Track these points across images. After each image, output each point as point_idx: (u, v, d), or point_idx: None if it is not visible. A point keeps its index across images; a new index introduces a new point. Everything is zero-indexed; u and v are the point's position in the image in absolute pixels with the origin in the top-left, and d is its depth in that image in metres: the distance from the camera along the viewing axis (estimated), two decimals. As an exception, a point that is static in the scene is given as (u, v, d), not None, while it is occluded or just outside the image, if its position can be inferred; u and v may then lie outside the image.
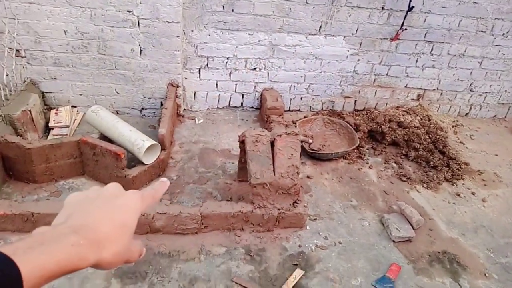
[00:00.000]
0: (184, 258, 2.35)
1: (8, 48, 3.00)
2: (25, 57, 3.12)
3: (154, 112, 3.56)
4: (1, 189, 2.66)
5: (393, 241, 2.63)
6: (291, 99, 3.78)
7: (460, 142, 3.80)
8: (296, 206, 2.57)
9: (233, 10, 3.21)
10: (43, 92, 3.32)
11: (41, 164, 2.68)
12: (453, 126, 3.98)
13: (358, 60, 3.61)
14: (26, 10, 2.92)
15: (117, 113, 3.51)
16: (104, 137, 2.98)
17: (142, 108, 3.52)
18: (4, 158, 2.68)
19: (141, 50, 3.19)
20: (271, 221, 2.55)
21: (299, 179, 2.52)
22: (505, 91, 4.03)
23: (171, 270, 2.27)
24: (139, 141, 2.75)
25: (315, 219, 2.72)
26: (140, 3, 2.95)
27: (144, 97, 3.45)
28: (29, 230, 2.38)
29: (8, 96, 2.96)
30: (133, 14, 2.99)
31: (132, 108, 3.50)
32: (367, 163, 3.34)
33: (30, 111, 3.01)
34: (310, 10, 3.27)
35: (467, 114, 4.18)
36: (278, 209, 2.54)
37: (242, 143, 2.78)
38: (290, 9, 3.25)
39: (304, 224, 2.64)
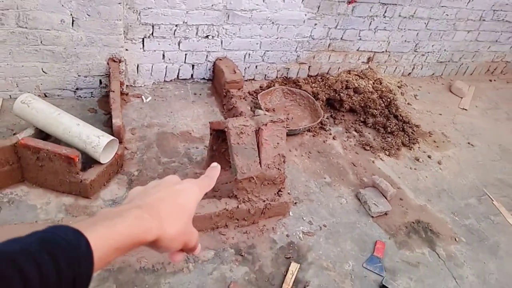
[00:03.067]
0: (171, 270, 2.11)
1: None
2: None
3: (91, 92, 3.04)
4: None
5: (372, 216, 2.67)
6: (245, 68, 3.50)
7: (408, 103, 3.93)
8: (281, 195, 2.44)
9: (182, -30, 2.74)
10: None
11: (-33, 176, 2.13)
12: (399, 87, 4.08)
13: (315, 24, 3.42)
14: None
15: (45, 96, 2.92)
16: (40, 132, 2.46)
17: (77, 89, 2.97)
18: None
19: (73, 21, 2.61)
20: (256, 214, 2.40)
21: (285, 168, 2.37)
22: (445, 50, 4.20)
23: (159, 287, 2.03)
24: (93, 138, 2.31)
25: (295, 203, 2.64)
26: (70, -38, 2.35)
27: (79, 75, 2.90)
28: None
29: None
30: (60, -24, 2.38)
31: (64, 89, 2.93)
32: (330, 134, 3.29)
33: None
34: (269, -30, 2.93)
35: (409, 73, 4.31)
36: (264, 201, 2.38)
37: (214, 130, 2.50)
38: (248, -31, 2.87)
39: (288, 211, 2.54)
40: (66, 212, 2.24)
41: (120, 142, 2.50)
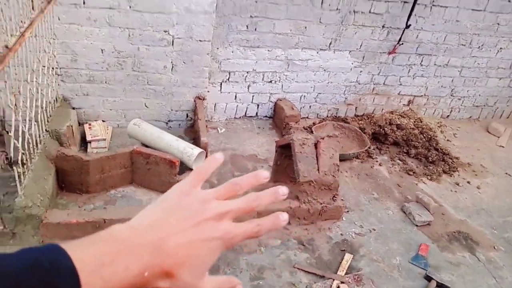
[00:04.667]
0: (247, 251, 2.61)
1: (44, 66, 3.12)
2: (61, 75, 3.26)
3: (179, 124, 3.79)
4: (56, 201, 2.78)
5: (416, 225, 3.05)
6: (301, 107, 4.16)
7: (447, 140, 4.36)
8: (335, 200, 2.93)
9: (255, 29, 3.55)
10: (73, 108, 3.45)
11: (96, 175, 2.83)
12: (438, 127, 4.55)
13: (360, 71, 4.08)
14: (66, 31, 3.07)
15: (144, 126, 3.69)
16: (145, 147, 3.17)
17: (169, 120, 3.74)
18: (58, 171, 2.80)
19: (172, 67, 3.43)
20: (315, 214, 2.89)
21: (339, 176, 2.89)
22: (479, 95, 4.67)
23: (239, 261, 2.53)
24: (188, 149, 2.99)
25: (347, 211, 3.09)
26: (177, 23, 3.20)
27: (172, 110, 3.67)
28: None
29: (40, 112, 3.08)
30: (168, 33, 3.24)
31: (158, 121, 3.70)
32: (377, 161, 3.77)
33: (71, 125, 3.14)
34: (323, 28, 3.68)
35: (448, 116, 4.78)
36: (321, 203, 2.88)
37: (279, 147, 3.10)
38: (305, 28, 3.64)
39: (341, 216, 3.00)
40: (164, 207, 2.86)
41: (206, 156, 3.16)
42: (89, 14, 3.00)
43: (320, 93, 4.14)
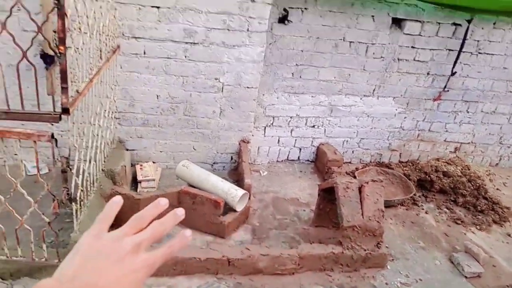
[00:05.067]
0: (290, 294, 2.60)
1: (106, 110, 3.39)
2: (119, 118, 3.52)
3: (224, 166, 3.92)
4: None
5: (465, 276, 2.91)
6: (343, 152, 4.19)
7: (497, 189, 4.19)
8: (380, 247, 2.88)
9: (300, 76, 3.70)
10: (127, 149, 3.68)
11: (146, 213, 2.97)
12: (487, 175, 4.39)
13: (405, 117, 4.09)
14: (127, 78, 3.35)
15: (191, 167, 3.85)
16: (192, 188, 3.30)
17: (214, 163, 3.88)
18: (111, 208, 2.97)
19: (221, 111, 3.62)
20: (358, 261, 2.84)
21: (383, 222, 2.85)
22: (531, 143, 4.52)
23: (281, 305, 2.52)
24: (232, 190, 3.08)
25: (392, 260, 3.01)
26: (227, 72, 3.42)
27: (217, 152, 3.82)
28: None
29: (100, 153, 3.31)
30: (219, 81, 3.45)
31: (204, 163, 3.85)
32: (423, 209, 3.68)
33: (125, 166, 3.35)
34: (366, 75, 3.78)
35: (497, 164, 4.62)
36: (365, 250, 2.84)
37: (322, 191, 3.13)
38: (349, 75, 3.75)
39: (386, 264, 2.93)
40: (207, 246, 2.93)
41: (249, 197, 3.24)
42: (148, 63, 3.27)
43: (363, 138, 4.17)
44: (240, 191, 3.09)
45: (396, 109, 4.03)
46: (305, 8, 3.37)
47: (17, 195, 2.15)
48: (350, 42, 3.59)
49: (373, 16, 3.49)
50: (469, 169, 4.15)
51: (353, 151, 4.23)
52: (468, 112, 4.18)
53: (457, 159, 4.35)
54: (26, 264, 2.44)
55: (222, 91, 3.50)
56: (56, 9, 1.89)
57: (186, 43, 3.22)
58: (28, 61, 2.08)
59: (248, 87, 3.52)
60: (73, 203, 2.47)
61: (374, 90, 3.88)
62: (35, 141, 2.12)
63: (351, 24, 3.50)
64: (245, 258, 2.70)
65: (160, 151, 3.74)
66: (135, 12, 3.07)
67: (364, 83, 3.83)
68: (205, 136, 3.72)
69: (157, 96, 3.46)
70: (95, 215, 2.57)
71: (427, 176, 3.93)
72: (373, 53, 3.68)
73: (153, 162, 3.77)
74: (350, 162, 4.30)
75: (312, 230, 3.27)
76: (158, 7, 3.06)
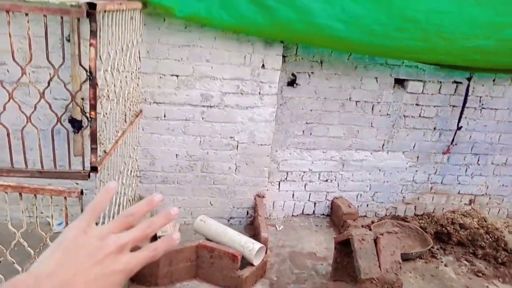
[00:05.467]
0: None
1: (128, 169, 3.61)
2: (140, 176, 3.72)
3: (240, 221, 4.02)
4: (127, 292, 3.00)
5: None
6: (358, 206, 4.25)
7: (518, 241, 4.13)
8: (398, 300, 2.86)
9: (311, 133, 3.90)
10: (147, 206, 3.83)
11: (164, 267, 3.06)
12: (506, 227, 4.35)
13: (416, 171, 4.18)
14: (148, 139, 3.60)
15: (208, 223, 3.96)
16: (210, 242, 3.39)
17: (230, 217, 3.99)
18: (132, 263, 3.07)
19: (236, 168, 3.79)
20: (376, 315, 2.82)
21: (402, 275, 2.86)
22: (547, 194, 4.50)
23: None
24: (249, 244, 3.16)
25: (412, 314, 2.97)
26: (241, 131, 3.64)
27: (233, 207, 3.94)
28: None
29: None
30: (234, 139, 3.67)
31: (221, 218, 3.96)
32: (442, 262, 3.65)
33: (146, 222, 3.49)
34: (375, 131, 3.96)
35: (515, 216, 4.58)
36: (382, 304, 2.82)
37: (338, 244, 3.18)
38: (358, 131, 3.94)
39: (405, 318, 2.89)
40: (225, 301, 2.96)
41: (266, 251, 3.30)
42: (168, 125, 3.54)
43: (376, 192, 4.24)
44: (257, 245, 3.17)
45: (407, 163, 4.15)
46: (312, 72, 3.65)
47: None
48: (356, 101, 3.81)
49: (376, 77, 3.74)
50: (485, 221, 4.13)
51: (367, 205, 4.30)
52: (478, 164, 4.25)
53: (472, 211, 4.35)
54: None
55: (237, 148, 3.71)
56: (88, 79, 2.17)
57: (203, 106, 3.50)
58: (62, 125, 2.34)
59: (261, 144, 3.72)
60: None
61: (383, 145, 4.03)
62: (65, 197, 2.31)
63: (356, 85, 3.75)
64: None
65: (179, 207, 3.88)
66: (156, 80, 3.38)
67: (373, 139, 3.99)
68: (222, 191, 3.87)
69: (176, 155, 3.68)
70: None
71: (443, 229, 3.93)
72: (379, 111, 3.88)
73: (172, 219, 3.89)
74: (365, 216, 4.34)
75: (331, 285, 3.27)
76: (177, 76, 3.38)
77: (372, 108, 3.87)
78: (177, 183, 3.79)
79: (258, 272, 3.20)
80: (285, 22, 3.01)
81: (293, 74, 3.63)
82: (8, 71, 3.12)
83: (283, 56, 3.50)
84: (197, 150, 3.68)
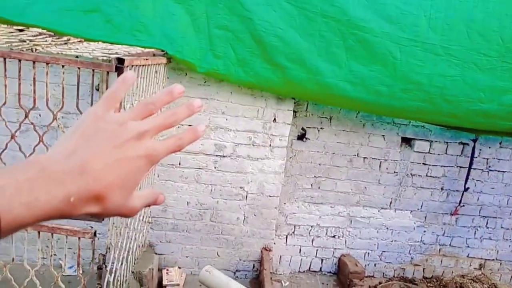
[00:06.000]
0: None
1: (141, 215, 3.70)
2: (151, 223, 3.79)
3: (246, 274, 3.99)
4: None
5: None
6: (365, 265, 4.20)
7: (532, 311, 3.98)
8: None
9: (319, 187, 3.98)
10: (155, 253, 3.86)
11: (168, 315, 3.03)
12: (520, 295, 4.21)
13: (424, 231, 4.17)
14: (162, 186, 3.72)
15: (213, 274, 3.94)
16: (213, 294, 3.36)
17: (236, 270, 3.97)
18: (135, 310, 3.05)
19: (244, 218, 3.85)
20: None
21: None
22: (561, 262, 4.39)
23: None
24: (253, 296, 3.14)
25: None
26: (251, 181, 3.75)
27: (240, 259, 3.94)
28: None
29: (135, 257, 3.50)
30: (244, 189, 3.77)
31: (227, 270, 3.94)
32: (451, 328, 3.52)
33: (152, 269, 3.50)
34: (382, 189, 4.02)
35: (529, 284, 4.44)
36: None
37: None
38: (365, 187, 4.01)
39: None
40: None
41: (269, 305, 3.25)
42: (182, 173, 3.67)
43: (384, 251, 4.21)
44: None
45: (415, 223, 4.15)
46: (321, 128, 3.82)
47: None
48: (364, 157, 3.93)
49: (383, 135, 3.89)
50: (495, 287, 4.03)
51: (375, 264, 4.24)
52: (487, 227, 4.23)
53: (483, 276, 4.24)
54: None
55: (246, 199, 3.79)
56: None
57: (216, 155, 3.65)
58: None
59: (270, 196, 3.80)
60: (103, 301, 2.61)
61: (390, 203, 4.07)
62: (79, 238, 2.39)
63: (363, 141, 3.89)
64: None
65: (186, 256, 3.90)
66: (174, 130, 3.55)
67: (381, 196, 4.04)
68: (229, 242, 3.89)
69: (187, 202, 3.77)
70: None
71: (453, 293, 3.84)
72: (387, 168, 3.97)
73: (179, 268, 3.90)
74: (373, 276, 4.27)
75: None
76: (194, 126, 3.57)
77: (380, 165, 3.97)
78: (187, 231, 3.84)
79: (261, 326, 3.14)
80: (297, 80, 3.24)
81: (303, 129, 3.80)
82: (40, 115, 3.35)
83: (294, 111, 3.69)
84: (208, 199, 3.77)
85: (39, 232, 2.35)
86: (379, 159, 3.96)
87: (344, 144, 3.88)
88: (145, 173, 0.50)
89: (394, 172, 4.00)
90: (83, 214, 0.46)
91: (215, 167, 3.68)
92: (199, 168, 3.67)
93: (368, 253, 4.21)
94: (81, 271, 3.69)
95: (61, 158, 0.45)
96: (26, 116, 2.39)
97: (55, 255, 3.64)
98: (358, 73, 3.12)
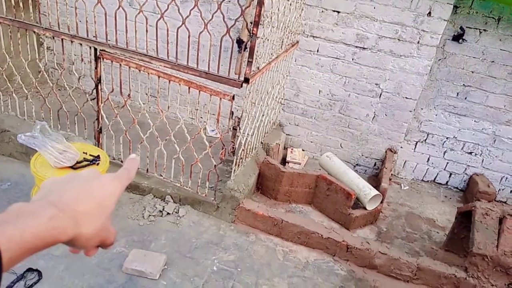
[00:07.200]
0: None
1: (275, 94, 3.94)
2: (283, 104, 4.03)
3: (365, 170, 4.07)
4: (251, 196, 3.44)
5: None
6: (499, 189, 3.86)
7: None
8: (511, 288, 2.65)
9: (466, 98, 3.59)
10: (284, 133, 4.17)
11: (286, 186, 3.38)
12: None
13: None
14: (298, 71, 3.83)
15: (334, 163, 4.12)
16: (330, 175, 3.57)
17: (357, 164, 4.07)
18: (259, 175, 3.47)
19: (374, 116, 3.79)
20: (482, 294, 2.68)
21: (523, 262, 2.62)
22: None
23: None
24: (366, 189, 3.25)
25: (525, 309, 2.73)
26: (388, 79, 3.58)
27: (362, 155, 4.00)
28: (275, 233, 3.04)
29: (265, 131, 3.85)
30: (379, 87, 3.64)
31: (347, 162, 4.07)
32: None
33: (279, 144, 3.84)
34: (546, 111, 3.43)
35: None
36: (492, 285, 2.66)
37: (460, 215, 3.03)
38: (524, 106, 3.47)
39: (515, 309, 2.68)
40: (333, 232, 3.17)
41: (382, 201, 3.34)
42: (318, 60, 3.69)
43: (527, 180, 3.77)
44: (374, 191, 3.23)
45: None
46: (484, 30, 3.28)
47: (198, 144, 2.80)
48: (532, 71, 3.33)
49: None
50: None
51: (511, 191, 3.86)
52: None
53: None
54: (191, 195, 3.12)
55: (380, 96, 3.68)
56: (257, -1, 2.42)
57: (356, 47, 3.52)
58: (230, 37, 2.68)
59: (406, 98, 3.61)
60: (236, 156, 3.03)
61: (553, 128, 3.49)
62: (221, 98, 2.72)
63: (536, 52, 3.25)
64: (363, 249, 2.85)
65: (311, 141, 4.13)
66: (317, 14, 3.51)
67: (542, 119, 3.48)
68: (354, 136, 3.94)
69: (319, 91, 3.85)
70: (247, 174, 3.14)
71: None
72: (560, 87, 3.32)
73: (303, 150, 4.18)
74: (505, 202, 3.93)
75: (441, 253, 3.18)
76: (338, 12, 3.44)
77: (550, 83, 3.33)
78: (315, 118, 3.99)
79: (368, 217, 3.29)
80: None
81: (461, 28, 3.33)
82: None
83: (455, 6, 3.22)
84: (340, 91, 3.78)
85: (189, 88, 2.74)
86: (551, 75, 3.31)
87: (508, 53, 3.30)
88: (114, 197, 0.60)
89: None
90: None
91: (352, 59, 3.58)
92: (336, 58, 3.63)
93: (506, 178, 3.82)
94: (218, 137, 4.29)
95: (82, 217, 0.54)
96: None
97: (201, 117, 4.25)
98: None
